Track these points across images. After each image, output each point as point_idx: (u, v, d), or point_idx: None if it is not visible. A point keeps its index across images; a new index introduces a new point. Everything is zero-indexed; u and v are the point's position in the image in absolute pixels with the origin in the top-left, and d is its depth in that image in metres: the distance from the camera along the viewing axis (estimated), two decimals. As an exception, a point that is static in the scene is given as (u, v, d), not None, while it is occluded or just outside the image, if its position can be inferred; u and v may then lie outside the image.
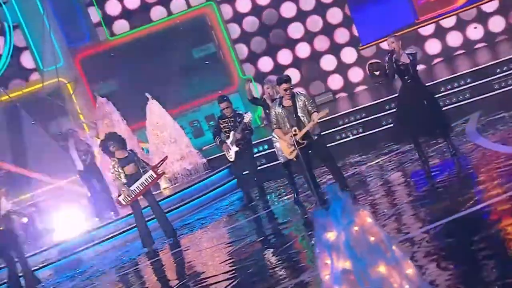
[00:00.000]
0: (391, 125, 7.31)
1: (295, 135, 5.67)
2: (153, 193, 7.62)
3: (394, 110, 7.03)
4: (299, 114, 5.75)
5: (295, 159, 5.95)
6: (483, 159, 5.88)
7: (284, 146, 6.02)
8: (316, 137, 5.93)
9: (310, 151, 5.91)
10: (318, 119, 5.72)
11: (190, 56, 10.46)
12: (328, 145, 6.60)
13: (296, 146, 5.69)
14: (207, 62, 10.27)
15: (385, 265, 2.03)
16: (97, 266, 7.31)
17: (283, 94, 5.77)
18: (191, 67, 10.40)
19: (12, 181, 9.28)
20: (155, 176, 6.99)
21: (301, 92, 6.65)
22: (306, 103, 5.83)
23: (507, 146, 5.84)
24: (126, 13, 10.42)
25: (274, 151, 7.20)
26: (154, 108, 8.97)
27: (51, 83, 9.69)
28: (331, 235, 2.07)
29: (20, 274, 6.91)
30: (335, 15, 10.17)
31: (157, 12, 10.39)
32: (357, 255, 2.01)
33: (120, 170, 6.86)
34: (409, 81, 5.93)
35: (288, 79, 5.92)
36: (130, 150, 7.20)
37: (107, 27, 10.25)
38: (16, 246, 6.87)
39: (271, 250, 5.63)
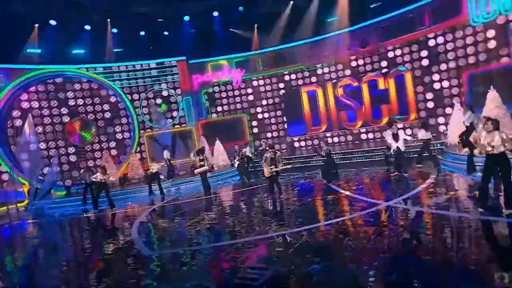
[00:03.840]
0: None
1: (272, 169, 12.73)
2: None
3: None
4: (274, 161, 12.75)
5: (269, 176, 12.94)
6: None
7: (266, 171, 12.87)
8: (275, 172, 12.87)
9: (277, 175, 13.04)
10: (282, 167, 12.86)
11: (237, 129, 28.85)
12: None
13: (272, 173, 12.76)
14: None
15: None
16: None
17: (270, 151, 12.88)
18: (236, 133, 28.70)
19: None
20: (209, 168, 17.04)
21: (277, 151, 13.26)
22: (280, 158, 12.78)
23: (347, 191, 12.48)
24: (214, 112, 29.96)
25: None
26: (217, 143, 26.20)
27: (189, 128, 28.89)
28: None
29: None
30: (282, 126, 29.67)
31: (225, 113, 29.95)
32: None
33: (200, 163, 16.46)
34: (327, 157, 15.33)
35: (272, 147, 13.28)
36: (204, 155, 16.71)
37: (211, 113, 29.47)
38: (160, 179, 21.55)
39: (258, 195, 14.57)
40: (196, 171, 16.90)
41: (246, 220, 10.76)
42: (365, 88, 26.27)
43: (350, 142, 26.82)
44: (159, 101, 28.01)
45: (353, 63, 27.02)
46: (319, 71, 28.08)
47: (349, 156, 21.19)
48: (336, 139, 27.32)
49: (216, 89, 29.27)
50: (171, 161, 24.21)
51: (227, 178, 21.87)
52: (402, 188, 12.21)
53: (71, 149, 26.34)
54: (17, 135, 24.28)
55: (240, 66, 28.90)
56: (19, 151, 23.58)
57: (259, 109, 29.15)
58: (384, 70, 25.80)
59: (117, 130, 27.35)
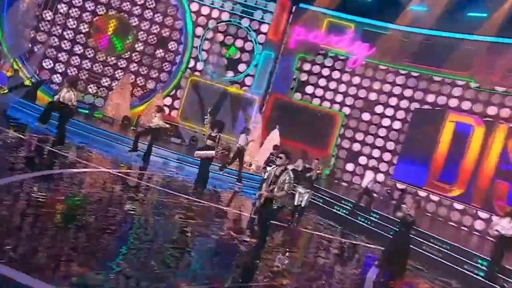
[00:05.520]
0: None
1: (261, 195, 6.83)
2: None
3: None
4: (276, 183, 6.61)
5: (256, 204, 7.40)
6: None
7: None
8: (275, 206, 6.79)
9: (264, 209, 6.78)
10: (279, 195, 6.66)
11: (320, 129, 17.92)
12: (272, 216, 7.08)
13: (260, 199, 6.81)
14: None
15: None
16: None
17: (279, 161, 6.84)
18: (317, 133, 17.84)
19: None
20: (216, 155, 10.94)
21: (291, 170, 6.99)
22: (286, 181, 6.60)
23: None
24: (300, 92, 19.05)
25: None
26: (274, 133, 16.48)
27: (251, 96, 18.55)
28: None
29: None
30: (388, 156, 17.70)
31: (314, 100, 18.89)
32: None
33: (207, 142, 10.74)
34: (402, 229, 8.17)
35: (283, 152, 6.96)
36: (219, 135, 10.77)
37: (294, 92, 18.93)
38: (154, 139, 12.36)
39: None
40: (197, 153, 11.12)
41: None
42: None
43: (490, 240, 14.31)
44: (229, 41, 18.52)
45: None
46: (496, 99, 15.60)
47: (466, 259, 11.02)
48: (466, 220, 15.53)
49: (320, 59, 18.56)
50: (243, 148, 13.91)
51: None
52: None
53: (89, 52, 18.59)
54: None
55: (370, 40, 17.97)
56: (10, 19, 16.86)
57: (366, 116, 18.25)
58: None
59: (158, 55, 18.76)
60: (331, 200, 13.98)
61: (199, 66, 18.85)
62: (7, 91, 15.95)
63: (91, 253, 5.23)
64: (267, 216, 6.88)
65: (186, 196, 9.79)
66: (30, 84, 17.07)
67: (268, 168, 10.12)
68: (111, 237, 6.10)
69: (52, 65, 18.52)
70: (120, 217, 7.16)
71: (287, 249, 8.61)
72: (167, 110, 18.41)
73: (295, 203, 10.03)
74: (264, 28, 18.65)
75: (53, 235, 5.53)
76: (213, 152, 10.67)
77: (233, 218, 10.04)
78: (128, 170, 11.47)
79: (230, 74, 18.84)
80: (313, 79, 18.92)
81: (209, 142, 10.76)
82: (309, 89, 18.93)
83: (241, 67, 18.80)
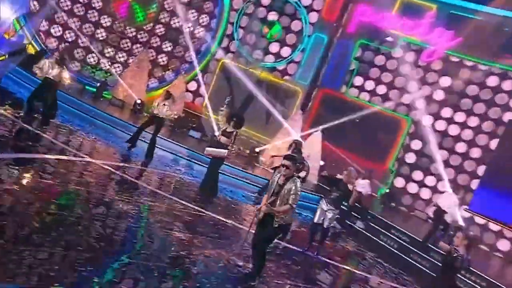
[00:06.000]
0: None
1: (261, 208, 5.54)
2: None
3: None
4: (279, 194, 5.46)
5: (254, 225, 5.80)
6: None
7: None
8: (276, 225, 5.47)
9: (264, 228, 5.58)
10: (281, 210, 5.36)
11: (376, 136, 14.39)
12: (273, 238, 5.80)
13: (259, 215, 5.60)
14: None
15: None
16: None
17: (285, 164, 5.40)
18: (374, 141, 14.28)
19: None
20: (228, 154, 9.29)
21: (298, 179, 5.69)
22: (291, 191, 5.45)
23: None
24: (362, 87, 15.33)
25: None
26: (316, 137, 13.65)
27: (293, 87, 15.38)
28: None
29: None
30: (465, 179, 13.71)
31: (374, 99, 15.08)
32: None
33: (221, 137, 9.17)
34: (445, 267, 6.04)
35: (290, 158, 5.57)
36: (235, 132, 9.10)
37: (349, 87, 15.23)
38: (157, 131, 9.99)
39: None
40: (208, 150, 9.14)
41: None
42: None
43: None
44: (273, 17, 15.19)
45: None
46: None
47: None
48: None
49: (387, 47, 15.15)
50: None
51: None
52: None
53: (105, 20, 15.66)
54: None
55: (456, 26, 14.07)
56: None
57: (441, 125, 14.29)
58: None
59: (186, 29, 15.67)
60: (378, 228, 10.88)
61: (233, 46, 15.53)
62: (5, 56, 13.49)
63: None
64: (266, 236, 5.72)
65: (187, 204, 8.08)
66: (33, 53, 14.47)
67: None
68: (80, 252, 4.75)
69: (61, 32, 15.68)
70: (95, 225, 5.78)
71: (296, 283, 6.64)
72: (190, 96, 15.29)
73: (315, 221, 8.03)
74: (318, 4, 15.43)
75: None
76: (226, 151, 9.19)
77: (236, 235, 7.94)
78: (125, 164, 9.45)
79: (270, 58, 15.54)
80: (375, 73, 15.24)
81: (223, 139, 9.16)
82: (369, 84, 15.21)
83: (285, 51, 15.56)
